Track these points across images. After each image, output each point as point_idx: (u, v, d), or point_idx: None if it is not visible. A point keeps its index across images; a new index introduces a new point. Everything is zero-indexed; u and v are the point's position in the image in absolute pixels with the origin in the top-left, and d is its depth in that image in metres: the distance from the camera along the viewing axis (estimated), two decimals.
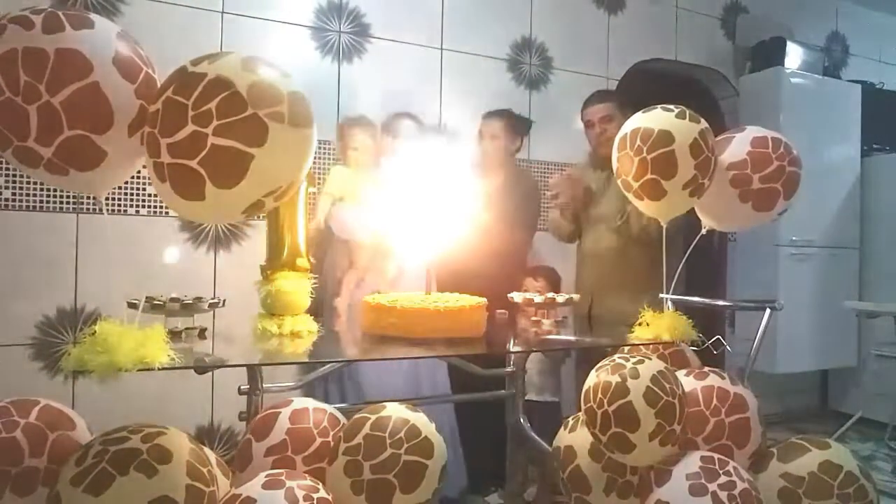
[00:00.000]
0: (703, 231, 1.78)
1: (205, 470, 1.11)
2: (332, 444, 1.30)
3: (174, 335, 1.44)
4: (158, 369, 1.08)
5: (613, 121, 2.51)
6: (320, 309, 2.55)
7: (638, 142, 1.54)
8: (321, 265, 2.59)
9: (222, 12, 2.76)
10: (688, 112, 1.57)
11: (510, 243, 2.67)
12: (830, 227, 4.03)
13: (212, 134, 1.00)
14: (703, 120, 1.57)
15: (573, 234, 2.69)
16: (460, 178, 1.78)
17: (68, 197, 2.50)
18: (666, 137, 1.51)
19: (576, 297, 1.97)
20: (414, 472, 1.23)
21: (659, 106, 1.60)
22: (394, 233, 2.34)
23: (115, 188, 1.26)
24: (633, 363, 1.41)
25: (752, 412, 1.50)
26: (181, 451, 1.09)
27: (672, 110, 1.56)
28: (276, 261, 1.68)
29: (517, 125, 2.89)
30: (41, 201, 2.47)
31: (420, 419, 1.30)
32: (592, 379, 1.45)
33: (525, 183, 2.87)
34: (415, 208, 1.74)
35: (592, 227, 2.59)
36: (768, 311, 2.13)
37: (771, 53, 3.96)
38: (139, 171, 1.19)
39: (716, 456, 1.39)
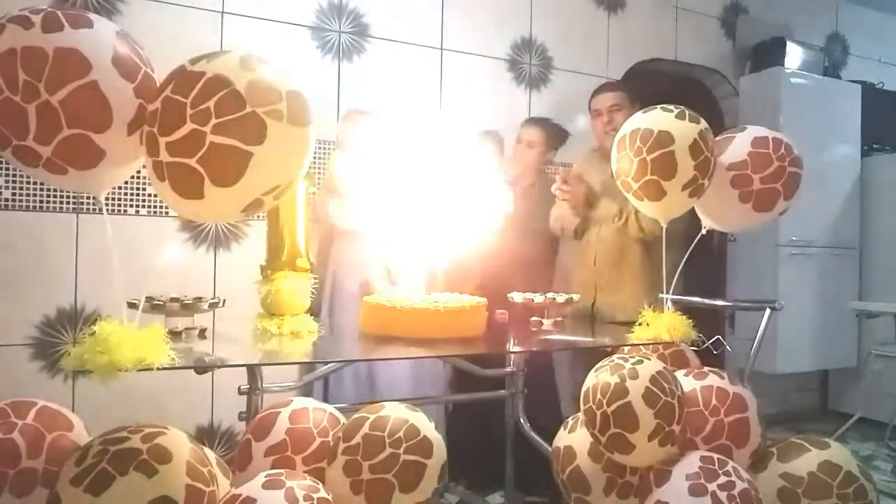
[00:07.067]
0: (703, 231, 1.78)
1: (205, 470, 1.11)
2: (331, 443, 1.30)
3: (174, 335, 1.44)
4: (158, 369, 1.08)
5: (622, 111, 2.47)
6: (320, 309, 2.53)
7: (637, 142, 1.54)
8: (324, 264, 2.57)
9: (222, 12, 2.76)
10: (687, 112, 1.56)
11: (534, 247, 2.66)
12: (830, 227, 4.03)
13: (210, 132, 1.00)
14: (702, 120, 1.57)
15: (578, 231, 2.66)
16: (460, 180, 1.78)
17: (68, 197, 2.50)
18: (665, 138, 1.51)
19: (576, 296, 1.97)
20: (413, 471, 1.23)
21: (658, 106, 1.59)
22: (393, 226, 2.31)
23: (114, 188, 1.26)
24: (632, 364, 1.41)
25: (752, 412, 1.50)
26: (181, 451, 1.09)
27: (671, 111, 1.56)
28: (276, 261, 1.68)
29: (556, 136, 2.87)
30: (41, 201, 2.47)
31: (419, 418, 1.30)
32: (591, 379, 1.45)
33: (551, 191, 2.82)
34: (417, 206, 1.74)
35: (596, 222, 2.56)
36: (768, 311, 2.13)
37: (771, 53, 3.96)
38: (139, 171, 1.19)
39: (715, 456, 1.39)
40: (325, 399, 2.44)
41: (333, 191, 2.56)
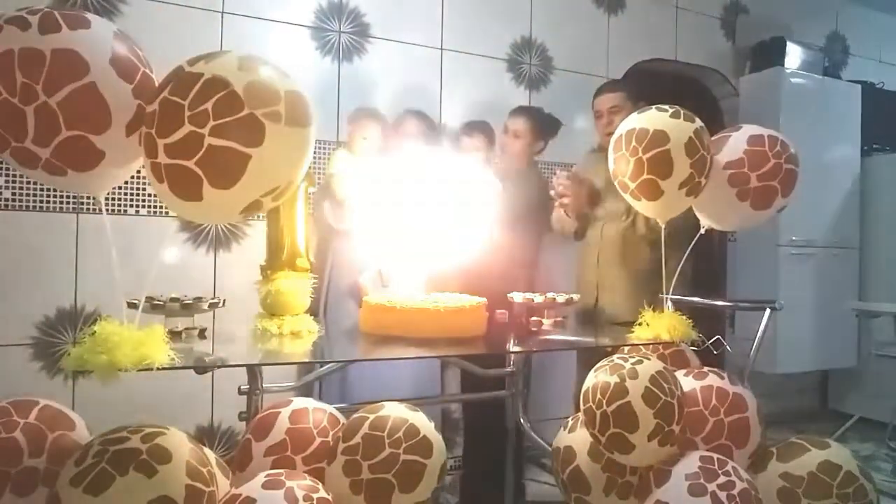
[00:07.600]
0: (702, 230, 1.78)
1: (205, 470, 1.11)
2: (331, 443, 1.30)
3: (174, 335, 1.44)
4: (158, 369, 1.08)
5: (622, 112, 2.44)
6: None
7: (633, 142, 1.54)
8: (323, 264, 2.57)
9: (222, 12, 2.76)
10: (682, 111, 1.56)
11: (519, 243, 2.62)
12: (830, 227, 4.03)
13: (208, 134, 1.00)
14: (697, 119, 1.57)
15: (578, 232, 2.65)
16: (459, 178, 1.78)
17: (68, 197, 2.50)
18: (661, 137, 1.51)
19: (576, 296, 1.97)
20: (413, 471, 1.23)
21: (653, 106, 1.60)
22: (391, 228, 2.29)
23: (115, 188, 1.27)
24: (632, 363, 1.42)
25: (752, 412, 1.50)
26: (181, 451, 1.09)
27: (666, 110, 1.56)
28: (276, 261, 1.68)
29: (544, 126, 2.79)
30: (41, 201, 2.47)
31: (419, 418, 1.30)
32: (591, 379, 1.45)
33: (539, 184, 2.77)
34: (415, 206, 1.74)
35: (598, 223, 2.55)
36: (768, 311, 2.13)
37: (771, 53, 3.95)
38: (139, 171, 1.19)
39: (715, 456, 1.39)
40: (325, 399, 2.44)
41: (330, 191, 2.57)
